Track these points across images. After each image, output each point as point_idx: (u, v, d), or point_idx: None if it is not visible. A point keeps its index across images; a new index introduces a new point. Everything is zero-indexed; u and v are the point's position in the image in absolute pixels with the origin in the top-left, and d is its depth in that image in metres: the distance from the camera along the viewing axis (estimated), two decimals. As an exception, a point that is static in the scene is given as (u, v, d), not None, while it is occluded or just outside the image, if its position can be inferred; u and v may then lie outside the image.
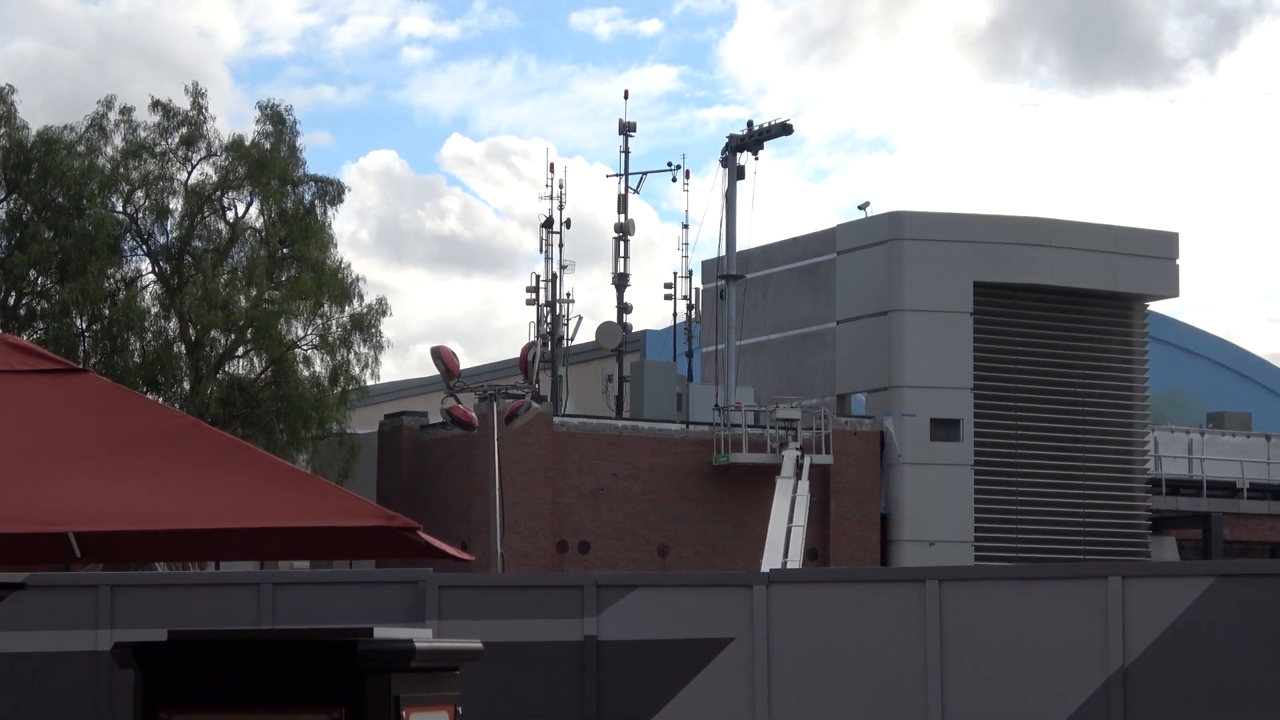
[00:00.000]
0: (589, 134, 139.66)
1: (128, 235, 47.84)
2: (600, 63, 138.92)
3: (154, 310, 47.40)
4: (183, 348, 47.10)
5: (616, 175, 56.78)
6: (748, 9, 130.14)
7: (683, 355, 57.47)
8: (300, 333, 47.67)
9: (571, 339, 55.53)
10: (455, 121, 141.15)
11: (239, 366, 48.03)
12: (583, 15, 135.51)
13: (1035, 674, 17.06)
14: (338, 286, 47.21)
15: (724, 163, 53.17)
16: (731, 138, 52.99)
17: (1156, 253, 53.55)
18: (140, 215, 47.79)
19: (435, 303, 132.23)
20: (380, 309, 48.06)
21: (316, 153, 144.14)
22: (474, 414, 35.15)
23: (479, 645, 9.31)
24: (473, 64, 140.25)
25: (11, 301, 46.70)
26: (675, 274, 58.41)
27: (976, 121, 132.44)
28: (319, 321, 47.54)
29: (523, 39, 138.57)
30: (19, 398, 7.81)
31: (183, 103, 47.79)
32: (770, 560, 41.64)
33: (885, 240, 51.63)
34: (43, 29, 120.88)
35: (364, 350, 47.78)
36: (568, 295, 54.88)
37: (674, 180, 58.22)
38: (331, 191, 48.63)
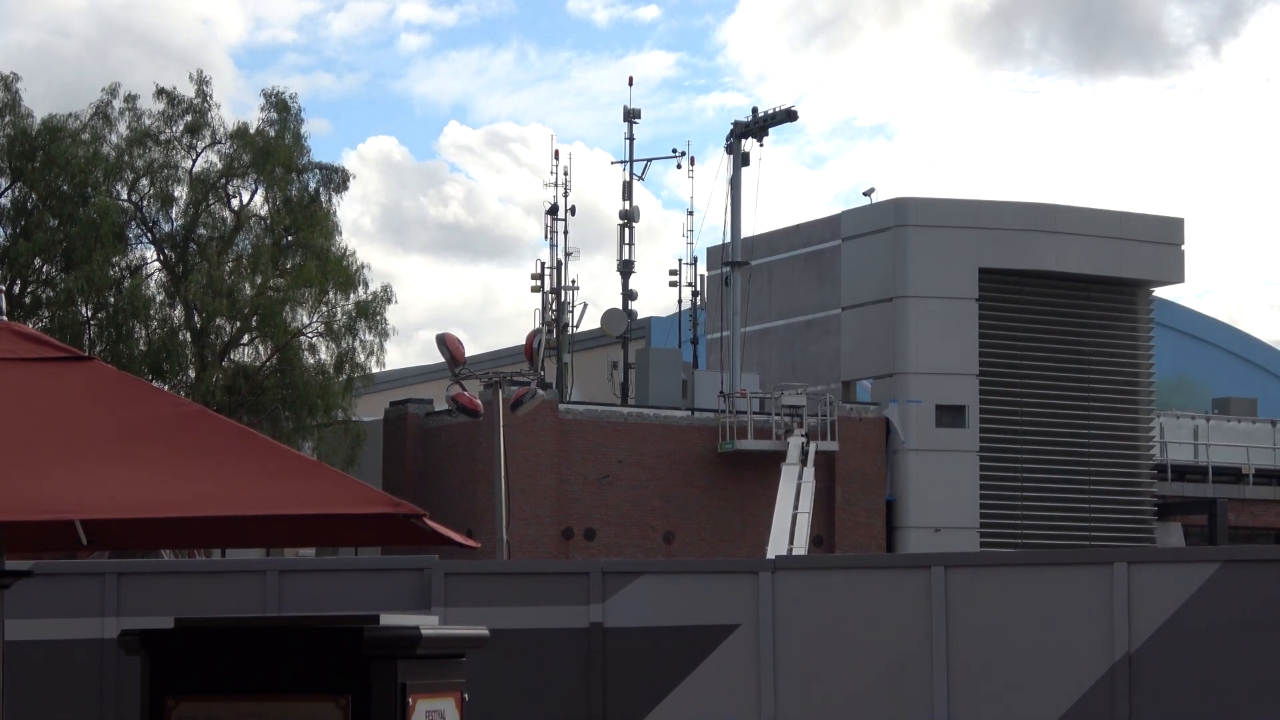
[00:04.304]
0: (588, 121, 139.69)
1: (132, 223, 47.83)
2: (598, 49, 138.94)
3: (159, 298, 47.41)
4: (188, 335, 47.11)
5: (621, 162, 56.82)
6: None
7: (688, 342, 57.48)
8: (305, 320, 47.69)
9: (576, 326, 55.56)
10: (455, 110, 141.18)
11: (244, 354, 48.04)
12: (580, 1, 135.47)
13: (1041, 660, 17.06)
14: (342, 274, 47.20)
15: (729, 149, 53.11)
16: (736, 124, 52.92)
17: (1162, 238, 53.49)
18: (145, 203, 47.79)
19: (436, 289, 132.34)
20: (385, 296, 48.08)
21: (315, 140, 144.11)
22: (479, 401, 35.15)
23: (485, 632, 9.33)
24: (472, 52, 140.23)
25: (17, 289, 46.70)
26: (680, 261, 58.50)
27: (977, 109, 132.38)
28: (324, 309, 47.54)
29: (520, 25, 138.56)
30: (25, 385, 7.82)
31: (187, 90, 47.85)
32: (776, 547, 41.63)
33: (890, 227, 51.59)
34: (43, 17, 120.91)
35: (369, 338, 47.83)
36: (572, 282, 54.95)
37: (679, 167, 58.26)
38: (336, 179, 48.63)
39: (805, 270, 54.40)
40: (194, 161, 47.96)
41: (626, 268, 56.50)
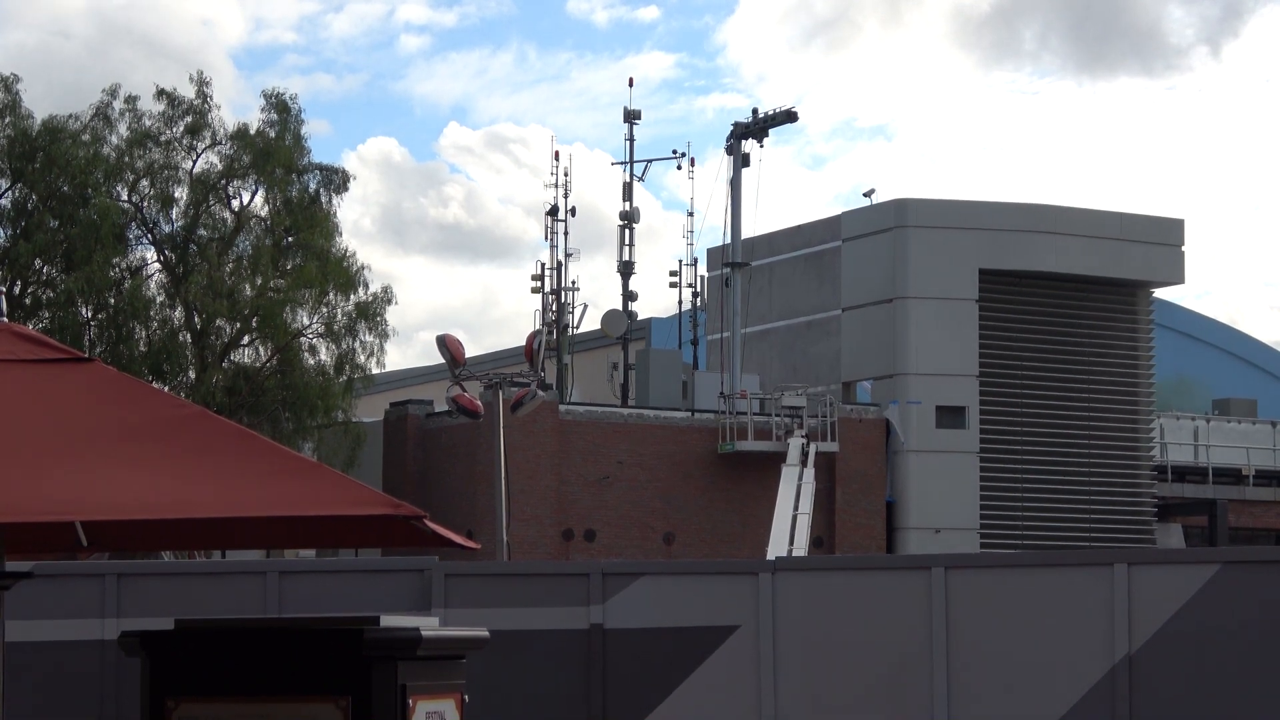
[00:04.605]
0: (588, 122, 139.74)
1: (133, 224, 47.84)
2: (598, 50, 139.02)
3: (159, 299, 47.42)
4: (188, 336, 47.11)
5: (621, 163, 56.85)
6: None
7: (688, 343, 57.50)
8: (305, 321, 47.71)
9: (577, 327, 55.57)
10: (454, 111, 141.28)
11: (244, 355, 48.05)
12: (580, 2, 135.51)
13: (1041, 661, 17.06)
14: (343, 275, 47.21)
15: (729, 150, 53.14)
16: (737, 125, 52.95)
17: (1162, 239, 53.51)
18: (145, 204, 47.79)
19: (436, 290, 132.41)
20: (385, 297, 48.10)
21: (315, 141, 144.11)
22: (479, 402, 35.15)
23: (485, 634, 9.34)
24: (472, 53, 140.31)
25: (17, 291, 46.70)
26: (680, 262, 58.55)
27: (977, 109, 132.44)
28: (324, 310, 47.55)
29: (520, 26, 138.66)
30: (26, 387, 7.82)
31: (187, 91, 47.86)
32: (776, 548, 41.63)
33: (890, 228, 51.60)
34: (43, 18, 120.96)
35: (369, 339, 47.83)
36: (573, 283, 54.95)
37: (679, 168, 58.28)
38: (336, 180, 48.63)
39: (805, 271, 54.41)
40: (194, 162, 47.99)
41: (627, 269, 56.52)
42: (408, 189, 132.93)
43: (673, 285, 58.22)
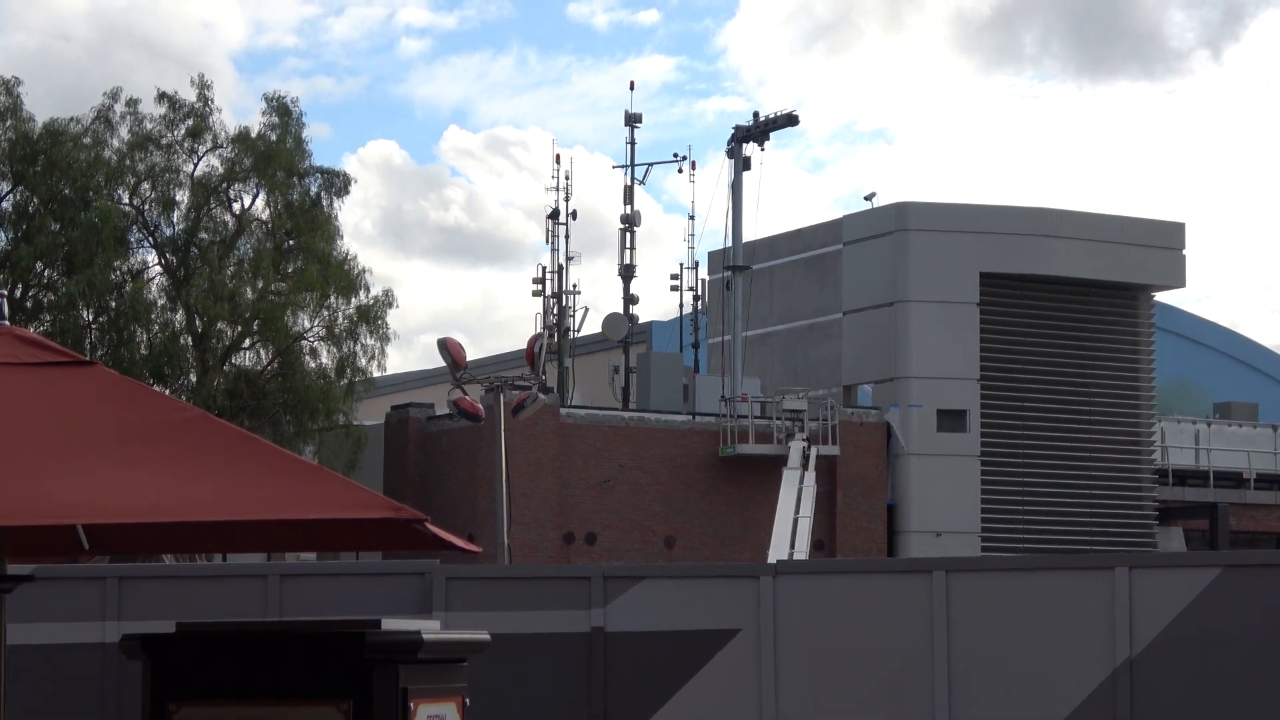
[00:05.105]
0: (588, 125, 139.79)
1: (134, 227, 47.83)
2: (598, 53, 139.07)
3: (160, 302, 47.40)
4: (189, 340, 47.10)
5: (622, 166, 56.87)
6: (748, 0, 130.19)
7: (689, 346, 57.50)
8: (306, 324, 47.68)
9: (578, 330, 55.58)
10: (455, 114, 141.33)
11: (245, 358, 48.04)
12: (580, 6, 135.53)
13: (1042, 665, 17.06)
14: (344, 278, 47.20)
15: (730, 154, 53.13)
16: (737, 128, 52.95)
17: (1162, 243, 53.50)
18: (146, 207, 47.78)
19: (437, 294, 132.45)
20: (386, 301, 48.09)
21: (315, 144, 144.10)
22: (480, 405, 35.15)
23: (486, 637, 9.34)
24: (472, 56, 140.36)
25: (18, 294, 46.68)
26: (681, 265, 58.55)
27: (977, 113, 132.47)
28: (325, 313, 47.54)
29: (520, 29, 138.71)
30: (27, 390, 7.82)
31: (188, 94, 47.86)
32: (777, 551, 41.62)
33: (891, 231, 51.59)
34: (44, 21, 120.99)
35: (370, 342, 47.80)
36: (574, 286, 54.95)
37: (680, 171, 58.26)
38: (337, 183, 48.63)
39: (806, 274, 54.40)
40: (195, 165, 47.99)
41: (628, 272, 56.53)
42: (408, 192, 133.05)
43: (674, 289, 58.27)
